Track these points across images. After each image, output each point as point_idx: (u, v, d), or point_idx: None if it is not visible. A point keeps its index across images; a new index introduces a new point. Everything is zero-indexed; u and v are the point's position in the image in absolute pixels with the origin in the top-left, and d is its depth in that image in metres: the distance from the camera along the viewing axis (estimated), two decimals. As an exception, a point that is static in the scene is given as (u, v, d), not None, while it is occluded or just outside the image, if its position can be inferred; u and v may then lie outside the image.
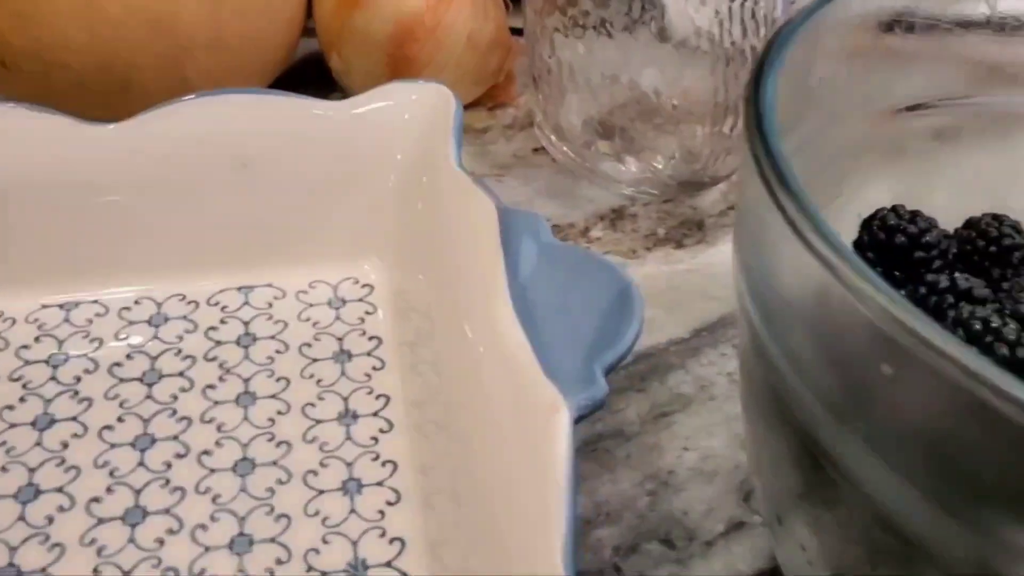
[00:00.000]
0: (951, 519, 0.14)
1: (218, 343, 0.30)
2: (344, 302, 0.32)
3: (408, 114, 0.32)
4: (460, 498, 0.24)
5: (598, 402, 0.21)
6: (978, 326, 0.19)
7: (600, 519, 0.27)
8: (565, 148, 0.40)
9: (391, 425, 0.28)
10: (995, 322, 0.19)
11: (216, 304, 0.31)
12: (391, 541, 0.25)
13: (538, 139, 0.41)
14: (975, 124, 0.28)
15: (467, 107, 0.43)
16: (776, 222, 0.16)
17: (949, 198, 0.27)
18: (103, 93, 0.37)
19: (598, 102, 0.40)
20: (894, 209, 0.24)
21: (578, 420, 0.21)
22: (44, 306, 0.30)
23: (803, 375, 0.16)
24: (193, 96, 0.31)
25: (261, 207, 0.32)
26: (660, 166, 0.39)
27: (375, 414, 0.28)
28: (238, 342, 0.30)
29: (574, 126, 0.40)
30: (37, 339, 0.30)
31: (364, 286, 0.32)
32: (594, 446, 0.29)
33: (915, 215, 0.23)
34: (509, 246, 0.25)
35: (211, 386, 0.29)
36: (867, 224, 0.24)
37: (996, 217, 0.25)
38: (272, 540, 0.25)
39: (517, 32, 0.42)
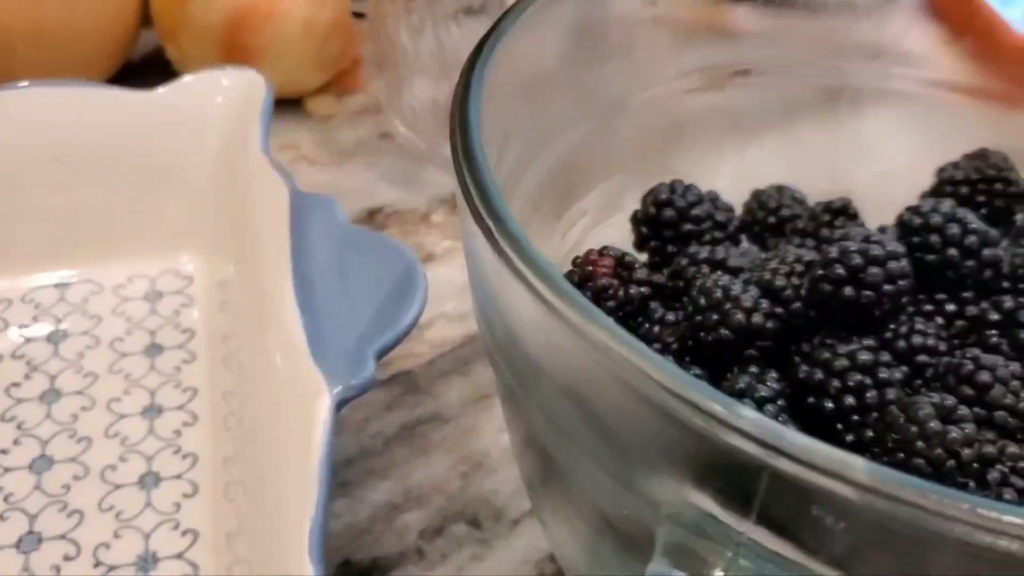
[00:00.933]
0: (620, 486, 0.14)
1: (28, 340, 0.30)
2: (161, 295, 0.31)
3: (220, 99, 0.31)
4: (249, 489, 0.24)
5: (365, 385, 0.21)
6: (718, 294, 0.19)
7: (409, 503, 0.27)
8: (410, 133, 0.40)
9: (196, 418, 0.27)
10: (734, 290, 0.19)
11: (31, 301, 0.31)
12: (184, 533, 0.24)
13: (384, 125, 0.41)
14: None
15: (315, 93, 0.43)
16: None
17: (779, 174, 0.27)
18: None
19: (441, 86, 0.40)
20: (670, 184, 0.24)
21: (343, 404, 0.21)
22: None
23: (515, 374, 0.16)
24: (3, 87, 0.30)
25: (78, 200, 0.31)
26: (504, 149, 0.39)
27: (181, 407, 0.28)
28: (48, 338, 0.30)
29: (419, 111, 0.40)
30: None
31: (183, 278, 0.32)
32: (411, 431, 0.29)
33: (687, 188, 0.23)
34: (298, 230, 0.25)
35: (15, 384, 0.28)
36: (643, 199, 0.24)
37: (780, 188, 0.26)
38: (62, 536, 0.24)
39: (361, 16, 0.42)
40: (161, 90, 0.31)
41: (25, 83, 0.31)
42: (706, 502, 0.13)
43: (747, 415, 0.12)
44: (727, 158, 0.29)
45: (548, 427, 0.15)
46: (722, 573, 0.12)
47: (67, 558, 0.24)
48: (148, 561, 0.24)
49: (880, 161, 0.30)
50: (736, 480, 0.12)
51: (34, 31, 0.36)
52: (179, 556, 0.24)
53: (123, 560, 0.24)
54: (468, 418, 0.29)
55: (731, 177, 0.27)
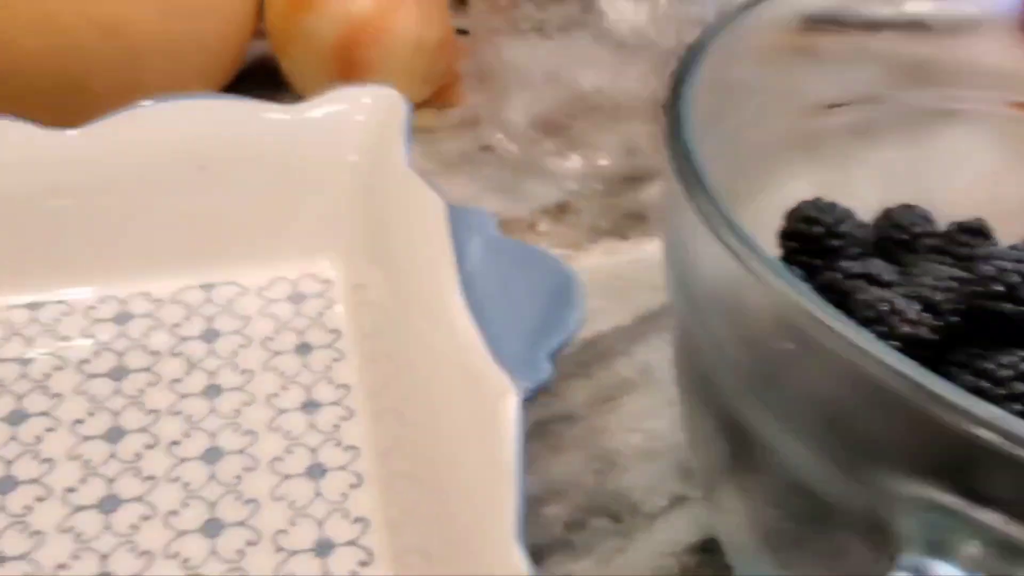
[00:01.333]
0: (847, 477, 0.16)
1: (183, 339, 0.31)
2: (304, 297, 0.33)
3: (360, 116, 0.33)
4: (417, 480, 0.26)
5: (543, 385, 0.23)
6: (884, 306, 0.21)
7: (550, 497, 0.29)
8: (510, 145, 0.42)
9: (351, 413, 0.29)
10: (899, 303, 0.21)
11: (179, 302, 0.33)
12: (354, 521, 0.26)
13: (484, 137, 0.43)
14: (890, 120, 0.31)
15: (416, 107, 0.44)
16: (693, 219, 0.17)
17: (868, 190, 0.29)
18: (58, 99, 0.37)
19: (541, 100, 0.41)
20: (814, 201, 0.26)
21: (525, 402, 0.23)
22: (11, 307, 0.31)
23: (723, 356, 0.18)
24: (150, 101, 0.32)
25: (220, 207, 0.33)
26: (602, 162, 0.41)
27: (336, 403, 0.30)
28: (203, 337, 0.32)
29: (518, 124, 0.42)
30: (6, 338, 0.31)
31: (322, 281, 0.34)
32: (544, 428, 0.31)
33: (832, 207, 0.25)
34: (457, 241, 0.27)
35: (178, 380, 0.30)
36: (789, 216, 0.26)
37: (908, 207, 0.28)
38: (242, 523, 0.26)
39: (463, 33, 0.44)
40: (304, 105, 0.33)
41: (177, 96, 0.33)
42: (941, 494, 0.14)
43: (992, 410, 0.14)
44: (820, 177, 0.31)
45: (767, 420, 0.17)
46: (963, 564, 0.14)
47: (250, 543, 0.26)
48: (325, 547, 0.26)
49: (968, 181, 0.32)
50: (976, 470, 0.14)
51: (163, 43, 0.38)
52: (353, 543, 0.26)
53: (301, 546, 0.26)
54: (597, 418, 0.31)
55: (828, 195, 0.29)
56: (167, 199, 0.33)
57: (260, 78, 0.45)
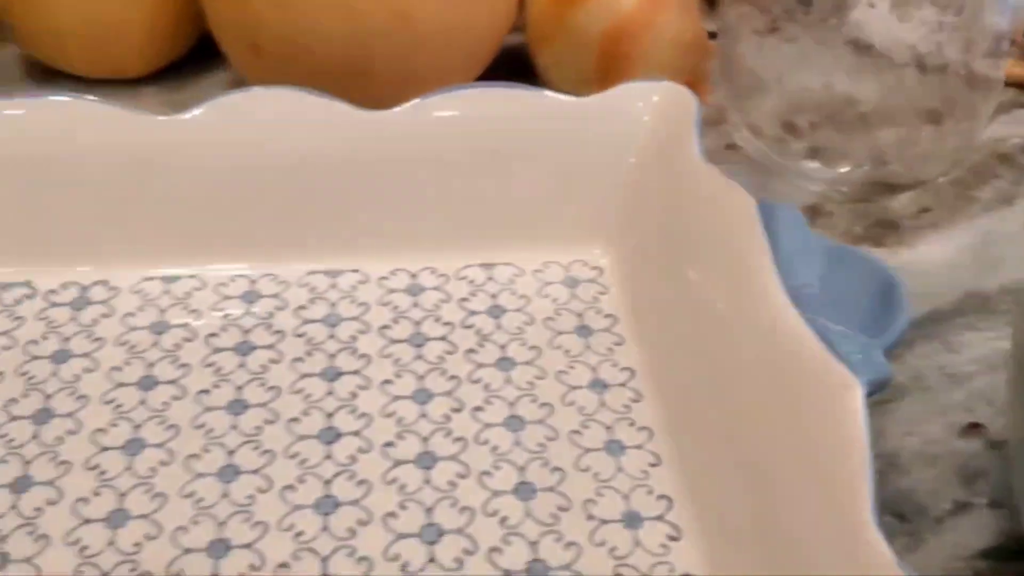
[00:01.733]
0: None
1: (472, 312, 0.33)
2: (577, 282, 0.35)
3: (647, 112, 0.34)
4: (728, 465, 0.27)
5: (884, 381, 0.24)
6: None
7: (833, 491, 0.29)
8: (759, 145, 0.43)
9: (640, 395, 0.31)
10: None
11: (463, 278, 0.34)
12: (658, 498, 0.27)
13: (729, 136, 0.44)
14: None
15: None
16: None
17: None
18: (342, 81, 0.40)
19: (786, 102, 0.42)
20: None
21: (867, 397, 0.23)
22: (312, 272, 0.34)
23: None
24: (457, 88, 0.34)
25: (503, 191, 0.35)
26: (849, 168, 0.42)
27: (623, 384, 0.31)
28: (488, 313, 0.33)
29: (767, 125, 0.42)
30: (311, 301, 0.33)
31: (594, 268, 0.35)
32: (818, 425, 0.31)
33: None
34: (771, 238, 0.28)
35: (473, 351, 0.32)
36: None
37: None
38: (551, 489, 0.28)
39: (712, 36, 0.44)
40: (591, 98, 0.34)
41: (474, 85, 0.35)
42: None
43: None
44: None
45: None
46: None
47: (561, 508, 0.27)
48: (633, 519, 0.27)
49: None
50: None
51: (441, 32, 0.40)
52: (660, 518, 0.27)
53: (611, 516, 0.27)
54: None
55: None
56: (457, 179, 0.34)
57: (508, 70, 0.46)
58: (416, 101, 0.33)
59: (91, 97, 0.32)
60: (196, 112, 0.33)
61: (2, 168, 0.32)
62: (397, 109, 0.33)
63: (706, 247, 0.30)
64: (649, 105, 0.34)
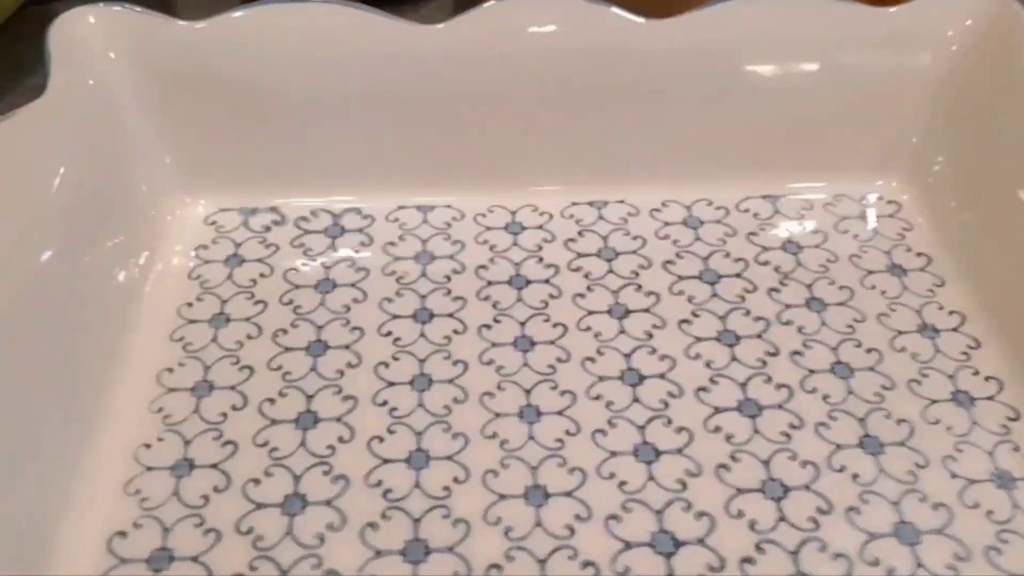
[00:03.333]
0: None
1: (765, 248, 0.30)
2: (876, 217, 0.31)
3: (963, 22, 0.30)
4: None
5: None
6: None
7: None
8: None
9: (978, 342, 0.27)
10: None
11: (745, 211, 0.31)
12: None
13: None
14: None
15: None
16: None
17: None
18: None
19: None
20: None
21: None
22: (576, 203, 0.31)
23: None
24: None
25: (790, 113, 0.31)
26: None
27: (955, 329, 0.27)
28: (783, 248, 0.30)
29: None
30: (579, 233, 0.30)
31: (890, 202, 0.31)
32: None
33: None
34: None
35: (775, 289, 0.28)
36: None
37: None
38: (902, 444, 0.24)
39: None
40: (896, 9, 0.30)
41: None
42: None
43: None
44: None
45: None
46: None
47: (918, 466, 0.24)
48: (1004, 480, 0.23)
49: None
50: None
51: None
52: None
53: (978, 476, 0.23)
54: None
55: None
56: (736, 102, 0.31)
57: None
58: (704, 8, 0.30)
59: (356, 4, 0.29)
60: (464, 19, 0.29)
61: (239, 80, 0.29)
62: (683, 17, 0.30)
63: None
64: (964, 13, 0.30)
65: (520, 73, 0.30)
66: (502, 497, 0.23)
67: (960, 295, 0.28)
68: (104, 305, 0.27)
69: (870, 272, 0.29)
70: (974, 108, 0.30)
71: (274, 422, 0.25)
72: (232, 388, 0.26)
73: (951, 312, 0.28)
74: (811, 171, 0.32)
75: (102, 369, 0.26)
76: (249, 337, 0.27)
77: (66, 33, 0.28)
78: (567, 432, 0.24)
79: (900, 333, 0.27)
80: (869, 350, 0.27)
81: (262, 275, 0.29)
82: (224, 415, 0.25)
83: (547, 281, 0.29)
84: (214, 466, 0.24)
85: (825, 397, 0.25)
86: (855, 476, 0.23)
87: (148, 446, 0.24)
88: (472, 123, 0.30)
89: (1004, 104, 0.29)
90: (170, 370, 0.26)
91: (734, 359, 0.26)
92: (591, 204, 0.31)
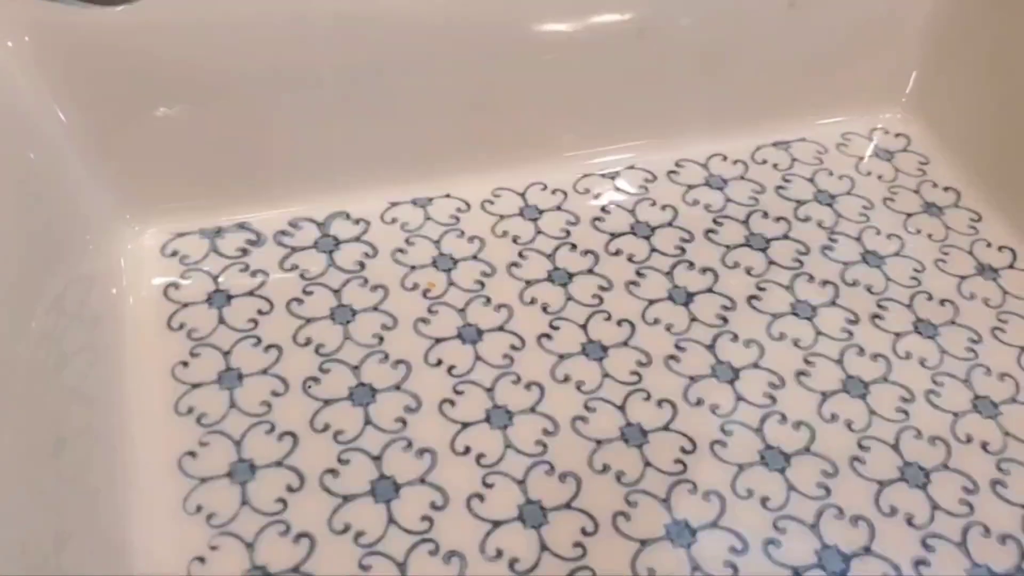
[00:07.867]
0: None
1: (799, 202, 0.28)
2: (890, 153, 0.29)
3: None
4: None
5: None
6: None
7: None
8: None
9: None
10: None
11: (763, 162, 0.29)
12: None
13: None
14: None
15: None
16: None
17: None
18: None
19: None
20: None
21: None
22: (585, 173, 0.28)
23: None
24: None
25: (787, 50, 0.29)
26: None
27: (1011, 267, 0.26)
28: (817, 199, 0.28)
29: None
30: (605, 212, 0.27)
31: (899, 136, 0.30)
32: None
33: None
34: None
35: (827, 247, 0.27)
36: None
37: None
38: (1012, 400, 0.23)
39: None
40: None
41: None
42: None
43: None
44: None
45: None
46: None
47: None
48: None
49: None
50: None
51: None
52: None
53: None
54: None
55: None
56: (757, 41, 0.28)
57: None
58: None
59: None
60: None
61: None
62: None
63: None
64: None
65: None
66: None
67: (1002, 228, 0.27)
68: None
69: (909, 215, 0.28)
70: (970, 34, 0.29)
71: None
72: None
73: (1000, 248, 0.27)
74: (814, 113, 0.30)
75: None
76: (275, 394, 0.22)
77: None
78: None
79: (963, 278, 0.26)
80: (943, 301, 0.25)
81: (261, 312, 0.24)
82: (283, 501, 0.21)
83: (590, 272, 0.26)
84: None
85: (907, 355, 0.24)
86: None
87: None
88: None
89: (998, 29, 0.28)
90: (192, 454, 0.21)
91: (820, 333, 0.24)
92: (603, 176, 0.28)
